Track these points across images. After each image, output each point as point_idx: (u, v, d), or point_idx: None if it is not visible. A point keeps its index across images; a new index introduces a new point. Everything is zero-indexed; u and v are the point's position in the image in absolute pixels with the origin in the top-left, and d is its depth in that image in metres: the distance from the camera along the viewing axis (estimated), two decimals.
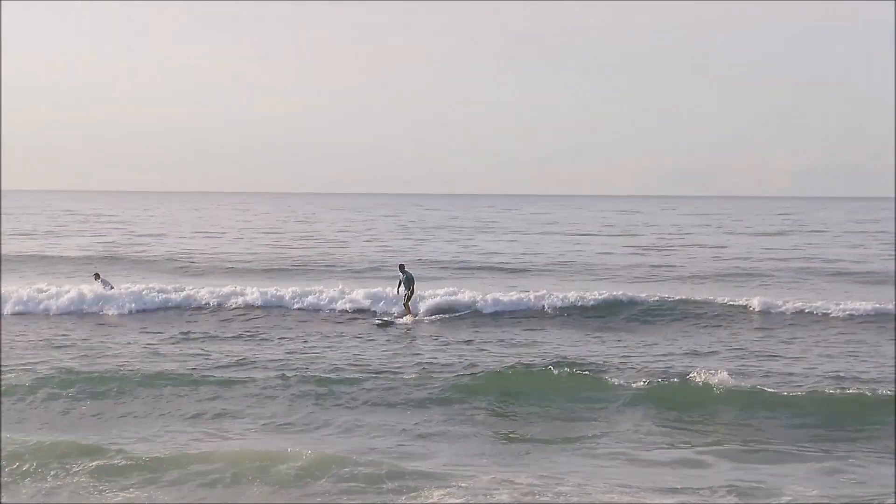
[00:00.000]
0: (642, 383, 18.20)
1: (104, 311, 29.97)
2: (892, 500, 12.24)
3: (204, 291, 31.63)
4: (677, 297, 30.50)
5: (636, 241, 64.42)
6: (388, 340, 25.23)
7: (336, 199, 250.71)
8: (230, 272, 41.43)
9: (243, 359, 21.88)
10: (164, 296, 31.39)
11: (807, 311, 28.56)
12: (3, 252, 47.99)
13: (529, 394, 17.79)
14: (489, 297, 30.23)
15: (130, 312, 29.94)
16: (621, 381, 18.44)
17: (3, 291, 30.99)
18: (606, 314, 29.02)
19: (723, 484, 12.70)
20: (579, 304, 29.84)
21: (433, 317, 28.84)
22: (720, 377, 18.00)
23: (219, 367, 20.77)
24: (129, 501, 12.35)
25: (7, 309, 29.98)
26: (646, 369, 20.53)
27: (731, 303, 29.42)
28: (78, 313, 29.84)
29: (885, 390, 17.66)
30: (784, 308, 28.80)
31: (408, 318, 28.35)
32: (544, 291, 31.23)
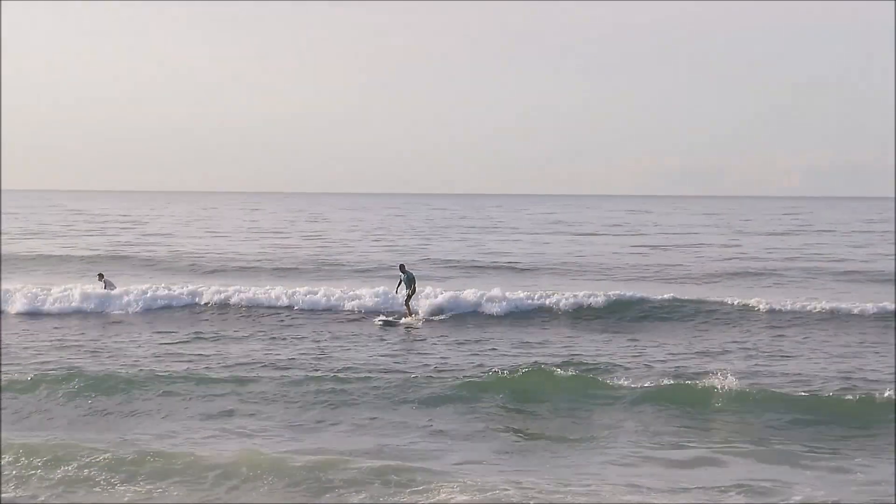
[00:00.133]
0: (651, 383, 18.24)
1: (114, 311, 30.08)
2: (893, 501, 12.28)
3: (213, 291, 31.72)
4: (686, 297, 30.52)
5: (644, 241, 64.41)
6: (397, 340, 25.31)
7: (337, 198, 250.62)
8: (240, 272, 41.53)
9: (254, 358, 21.97)
10: (173, 295, 31.49)
11: (817, 310, 28.55)
12: (11, 251, 48.17)
13: (539, 393, 17.82)
14: (496, 295, 30.24)
15: (140, 312, 30.05)
16: (630, 381, 18.47)
17: (9, 291, 31.12)
18: (615, 313, 29.06)
19: (732, 484, 12.73)
20: (588, 303, 29.85)
21: (440, 316, 28.87)
22: (729, 377, 18.01)
23: (230, 367, 20.87)
24: (140, 500, 12.44)
25: (14, 308, 30.09)
26: (655, 369, 20.57)
27: (740, 302, 29.41)
28: (86, 313, 29.95)
29: (891, 391, 17.62)
30: (793, 307, 28.79)
31: (409, 319, 28.39)
32: (553, 291, 31.28)
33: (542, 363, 20.72)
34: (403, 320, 28.27)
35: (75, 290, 31.22)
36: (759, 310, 28.79)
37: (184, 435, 15.50)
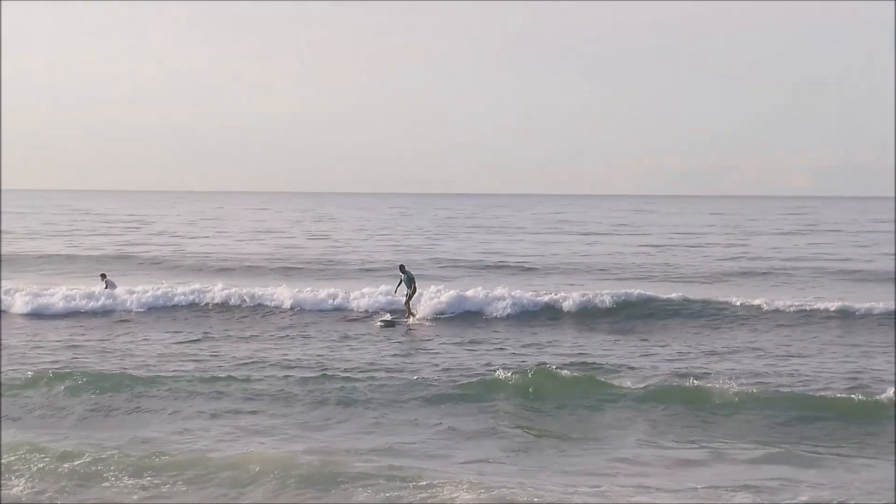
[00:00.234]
0: (658, 383, 18.24)
1: (122, 310, 30.13)
2: (893, 501, 12.29)
3: (219, 290, 31.71)
4: (693, 297, 30.48)
5: (650, 240, 64.36)
6: (404, 340, 25.34)
7: (338, 198, 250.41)
8: (247, 271, 41.59)
9: (262, 357, 22.02)
10: (179, 295, 31.51)
11: (822, 309, 28.50)
12: (13, 251, 48.28)
13: (546, 393, 17.83)
14: (503, 294, 30.21)
15: (147, 311, 30.08)
16: (638, 381, 18.48)
17: (17, 290, 31.19)
18: (622, 313, 29.02)
19: (738, 483, 12.75)
20: (595, 302, 29.83)
21: (442, 316, 28.84)
22: (734, 378, 18.02)
23: (237, 366, 20.93)
24: (150, 497, 12.48)
25: (22, 309, 30.14)
26: (662, 369, 20.57)
27: (747, 302, 29.36)
28: (93, 313, 29.98)
29: (891, 391, 17.57)
30: (798, 307, 28.74)
31: (410, 319, 28.39)
32: (560, 290, 31.26)
33: (550, 363, 20.74)
34: (404, 320, 28.26)
35: (82, 291, 31.30)
36: (765, 309, 28.75)
37: (192, 433, 15.54)
